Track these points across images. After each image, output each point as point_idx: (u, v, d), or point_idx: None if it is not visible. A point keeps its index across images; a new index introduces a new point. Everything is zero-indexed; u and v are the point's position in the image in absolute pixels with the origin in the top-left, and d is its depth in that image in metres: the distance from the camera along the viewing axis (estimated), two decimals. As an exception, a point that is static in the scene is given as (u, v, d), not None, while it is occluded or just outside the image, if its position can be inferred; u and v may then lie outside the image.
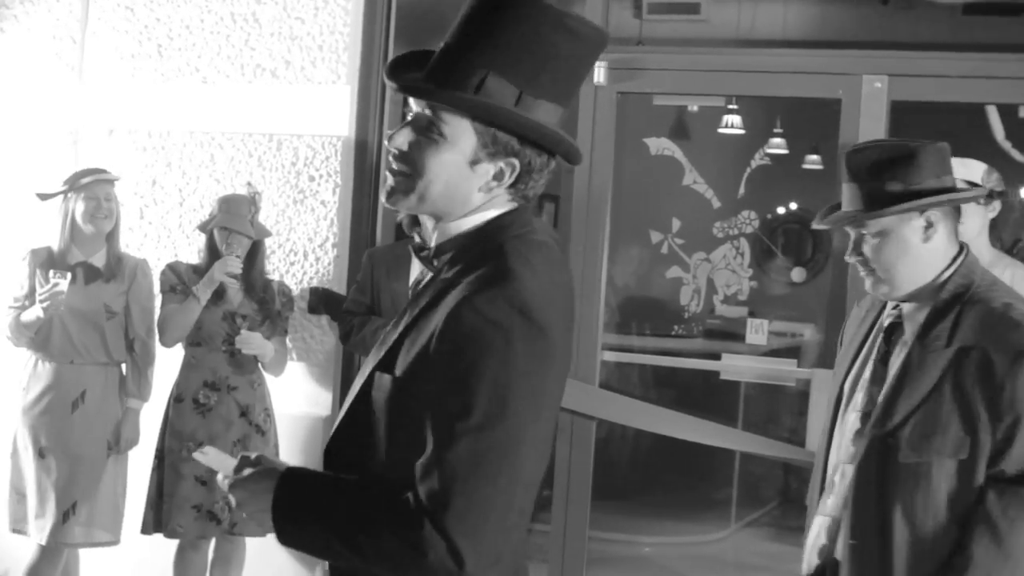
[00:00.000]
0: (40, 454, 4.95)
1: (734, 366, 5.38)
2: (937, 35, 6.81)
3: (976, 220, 3.82)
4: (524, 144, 1.95)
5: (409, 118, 2.00)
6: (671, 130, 6.55)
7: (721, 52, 5.31)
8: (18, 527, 5.05)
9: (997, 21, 6.67)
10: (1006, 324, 2.66)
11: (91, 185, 5.01)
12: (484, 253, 1.94)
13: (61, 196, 5.02)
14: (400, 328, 1.97)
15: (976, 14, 6.46)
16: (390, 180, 2.00)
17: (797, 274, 5.09)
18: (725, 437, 5.32)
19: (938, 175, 2.74)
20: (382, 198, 2.11)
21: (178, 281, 4.99)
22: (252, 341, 4.93)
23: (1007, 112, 4.82)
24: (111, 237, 5.09)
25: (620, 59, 5.14)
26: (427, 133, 1.95)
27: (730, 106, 7.09)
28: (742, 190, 5.02)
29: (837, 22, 7.41)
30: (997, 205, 3.91)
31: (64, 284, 4.78)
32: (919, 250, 2.76)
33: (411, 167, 1.96)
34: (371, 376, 1.97)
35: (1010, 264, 3.97)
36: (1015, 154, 4.65)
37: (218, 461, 2.09)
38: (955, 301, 2.73)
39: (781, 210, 6.80)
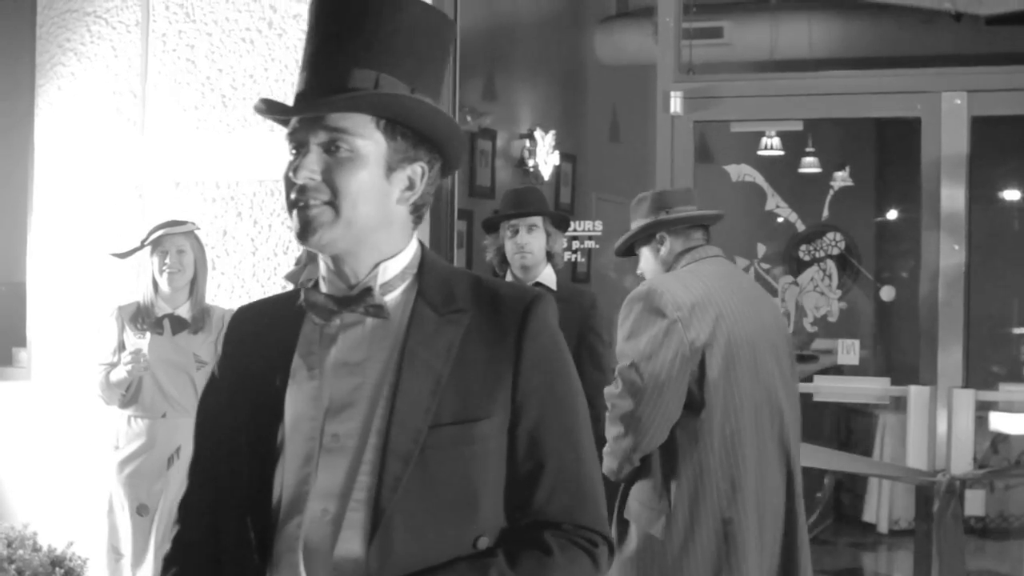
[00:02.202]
0: (138, 512, 5.04)
1: (827, 387, 5.49)
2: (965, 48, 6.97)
3: None
4: (419, 147, 1.89)
5: (303, 146, 1.86)
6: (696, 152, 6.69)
7: (796, 76, 5.45)
8: (116, 586, 5.14)
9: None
10: None
11: (160, 239, 5.11)
12: (461, 283, 1.92)
13: (148, 250, 5.12)
14: (429, 377, 1.83)
15: (1000, 24, 6.58)
16: (306, 214, 1.84)
17: (886, 293, 5.21)
18: (831, 459, 5.47)
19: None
20: (297, 239, 1.86)
21: None
22: None
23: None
24: (195, 287, 5.17)
25: (695, 88, 5.27)
26: (335, 153, 1.84)
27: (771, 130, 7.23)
28: (826, 212, 5.14)
29: (860, 38, 7.55)
30: None
31: (144, 345, 4.90)
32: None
33: (331, 192, 1.83)
34: (437, 434, 1.81)
35: None
36: (1097, 163, 4.81)
37: None
38: None
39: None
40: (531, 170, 7.20)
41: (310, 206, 1.84)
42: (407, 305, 1.90)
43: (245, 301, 5.77)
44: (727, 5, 7.24)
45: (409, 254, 1.93)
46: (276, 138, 5.85)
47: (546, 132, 7.31)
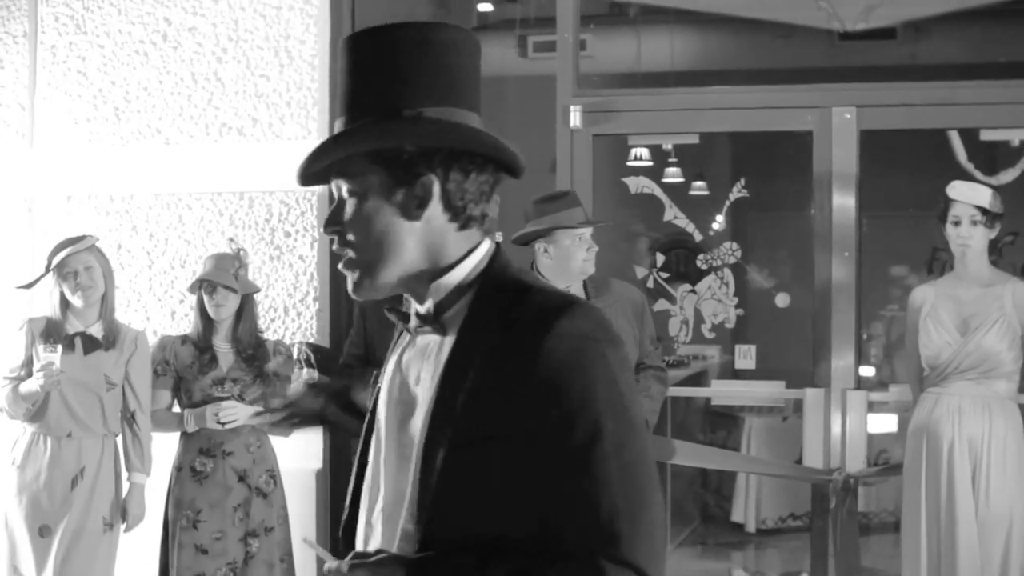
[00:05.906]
0: (40, 533, 5.01)
1: (725, 392, 5.73)
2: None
3: (980, 240, 4.41)
4: (418, 162, 1.84)
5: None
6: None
7: (693, 91, 5.68)
8: (16, 608, 5.10)
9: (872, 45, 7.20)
10: None
11: (66, 260, 5.06)
12: (505, 298, 1.87)
13: (53, 272, 5.07)
14: (458, 395, 1.83)
15: (852, 39, 6.90)
16: (348, 275, 1.91)
17: (781, 299, 5.48)
18: (729, 461, 5.68)
19: None
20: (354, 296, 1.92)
21: (162, 362, 5.14)
22: (236, 414, 5.06)
23: (968, 136, 5.30)
24: (105, 303, 5.14)
25: (593, 103, 5.46)
26: (347, 199, 1.88)
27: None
28: (722, 222, 5.38)
29: (721, 52, 7.86)
30: (998, 227, 4.46)
31: (56, 358, 4.85)
32: None
33: (355, 243, 1.88)
34: (451, 450, 1.82)
35: (1009, 279, 4.57)
36: (978, 175, 5.14)
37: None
38: None
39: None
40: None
41: (346, 263, 1.91)
42: (461, 318, 1.89)
43: (142, 316, 5.84)
44: (587, 17, 7.47)
45: (466, 267, 1.91)
46: (172, 151, 5.91)
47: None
